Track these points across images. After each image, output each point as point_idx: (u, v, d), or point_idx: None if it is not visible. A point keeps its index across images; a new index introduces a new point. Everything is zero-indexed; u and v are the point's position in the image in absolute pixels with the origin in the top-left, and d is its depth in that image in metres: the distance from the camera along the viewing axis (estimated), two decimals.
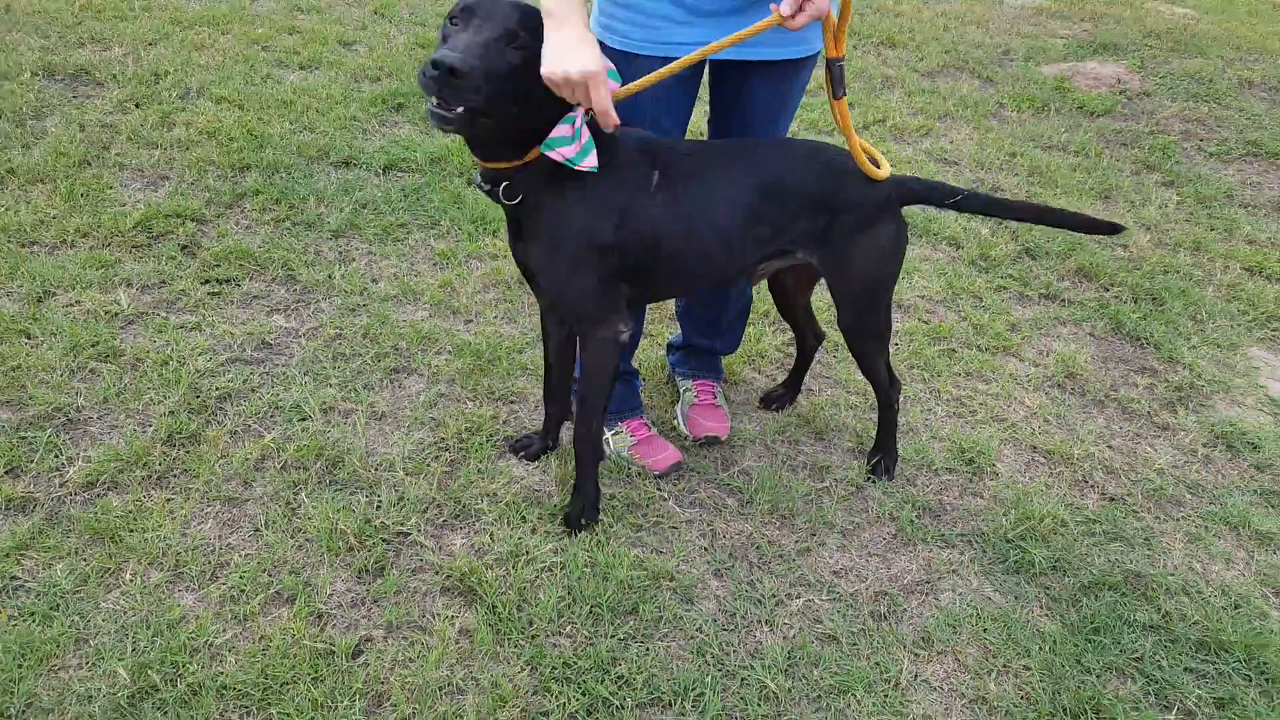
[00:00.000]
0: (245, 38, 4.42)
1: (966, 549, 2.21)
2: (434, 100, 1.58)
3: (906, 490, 2.35)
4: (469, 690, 1.69)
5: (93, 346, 2.34)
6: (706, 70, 2.15)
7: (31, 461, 2.00)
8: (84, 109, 3.66)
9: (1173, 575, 2.20)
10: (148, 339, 2.40)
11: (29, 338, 2.35)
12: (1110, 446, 2.64)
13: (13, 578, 1.74)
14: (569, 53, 1.66)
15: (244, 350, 2.45)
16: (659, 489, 2.25)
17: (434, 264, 2.97)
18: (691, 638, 1.88)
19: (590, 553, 2.00)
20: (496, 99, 1.61)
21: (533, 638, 1.80)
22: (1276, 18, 7.27)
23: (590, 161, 1.74)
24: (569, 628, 1.84)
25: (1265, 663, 1.98)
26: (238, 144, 3.41)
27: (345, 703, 1.62)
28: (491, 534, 2.02)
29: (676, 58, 1.83)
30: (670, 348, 2.66)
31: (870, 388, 2.36)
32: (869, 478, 2.38)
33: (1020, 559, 2.19)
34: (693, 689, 1.75)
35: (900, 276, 3.25)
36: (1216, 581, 2.21)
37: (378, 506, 2.04)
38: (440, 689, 1.68)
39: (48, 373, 2.25)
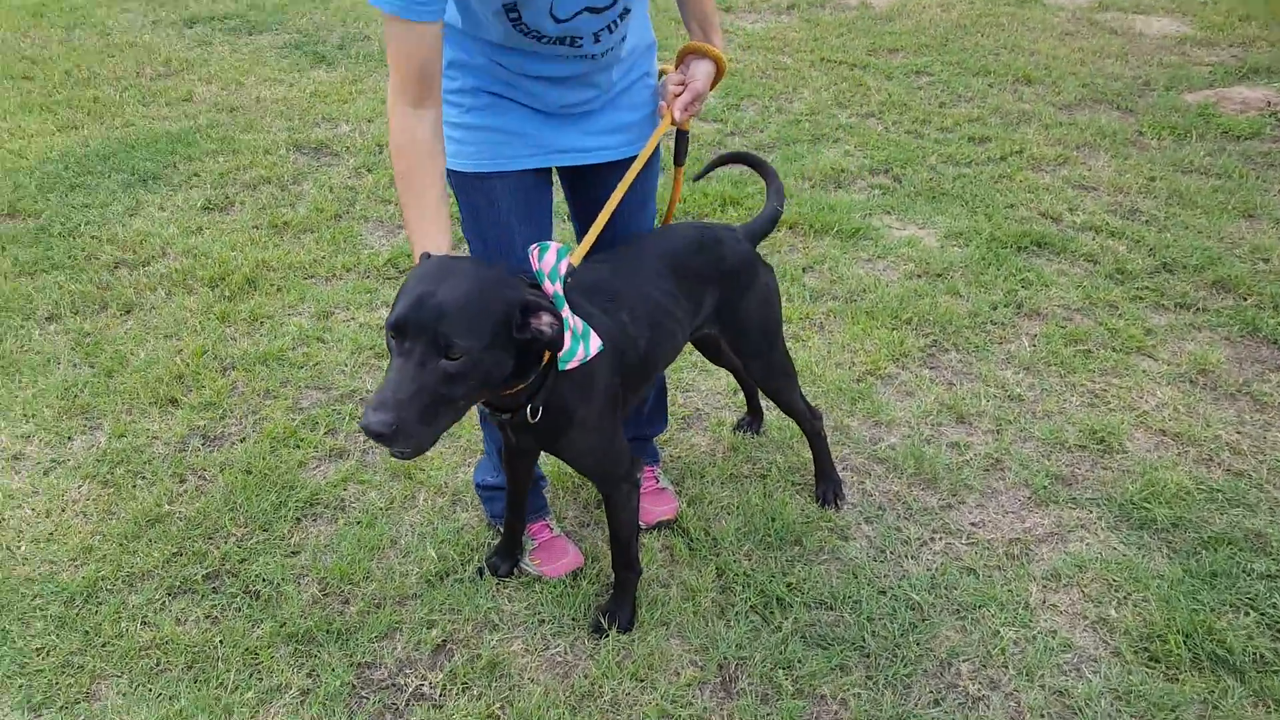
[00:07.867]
0: None
1: (1094, 509, 2.53)
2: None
3: (1041, 463, 2.69)
4: (671, 584, 2.18)
5: (369, 349, 3.02)
6: (557, 177, 2.09)
7: (342, 425, 2.66)
8: (329, 175, 4.48)
9: None
10: None
11: (323, 343, 3.06)
12: (1239, 432, 2.88)
13: (341, 499, 2.37)
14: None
15: None
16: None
17: None
18: (846, 564, 2.30)
19: (760, 500, 2.46)
20: (444, 420, 1.50)
21: (718, 554, 2.27)
22: None
23: (596, 343, 1.67)
24: (746, 548, 2.30)
25: None
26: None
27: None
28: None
29: (530, 169, 1.89)
30: None
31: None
32: (821, 504, 2.49)
33: (1144, 517, 2.49)
34: (850, 597, 2.17)
35: (1039, 286, 3.61)
36: None
37: None
38: (651, 582, 2.18)
39: (341, 367, 2.94)
